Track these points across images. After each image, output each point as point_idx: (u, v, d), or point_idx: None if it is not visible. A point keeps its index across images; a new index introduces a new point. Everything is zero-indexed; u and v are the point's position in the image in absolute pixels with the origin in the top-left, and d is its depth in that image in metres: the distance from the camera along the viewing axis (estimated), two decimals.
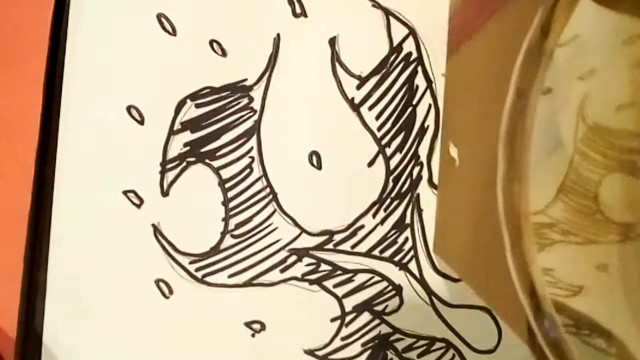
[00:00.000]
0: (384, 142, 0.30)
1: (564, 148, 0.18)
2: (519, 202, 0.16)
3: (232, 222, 0.30)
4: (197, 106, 0.31)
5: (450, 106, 0.29)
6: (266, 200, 0.30)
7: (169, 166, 0.30)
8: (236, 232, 0.30)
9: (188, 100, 0.31)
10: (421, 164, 0.30)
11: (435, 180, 0.30)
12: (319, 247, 0.30)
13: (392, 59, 0.31)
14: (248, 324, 0.30)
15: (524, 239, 0.16)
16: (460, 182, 0.26)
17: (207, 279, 0.30)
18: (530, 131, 0.16)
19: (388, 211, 0.30)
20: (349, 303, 0.30)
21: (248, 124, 0.31)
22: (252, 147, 0.30)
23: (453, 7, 0.29)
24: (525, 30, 0.16)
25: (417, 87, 0.31)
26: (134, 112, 0.31)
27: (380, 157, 0.30)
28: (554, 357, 0.15)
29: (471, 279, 0.23)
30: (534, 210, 0.17)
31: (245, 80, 0.31)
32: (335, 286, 0.30)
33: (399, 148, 0.30)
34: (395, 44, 0.31)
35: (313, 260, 0.30)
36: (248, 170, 0.30)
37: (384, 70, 0.31)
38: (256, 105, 0.31)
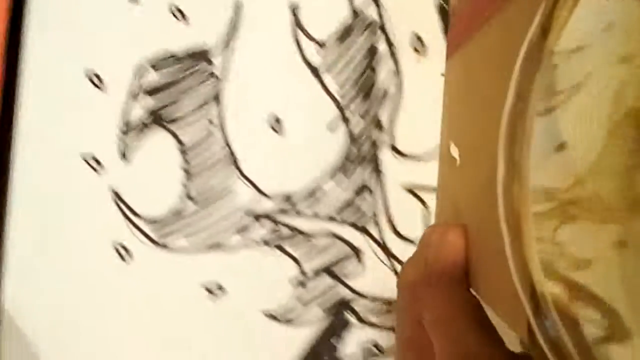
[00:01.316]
0: (345, 106, 0.30)
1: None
2: (519, 202, 0.16)
3: (192, 187, 0.30)
4: (157, 71, 0.31)
5: (451, 106, 0.29)
6: (226, 165, 0.30)
7: (128, 131, 0.30)
8: (196, 197, 0.30)
9: (148, 65, 0.30)
10: (382, 129, 0.30)
11: (398, 144, 0.30)
12: (280, 211, 0.30)
13: (353, 24, 0.31)
14: (207, 288, 0.30)
15: (524, 239, 0.16)
16: (461, 182, 0.26)
17: (167, 243, 0.30)
18: (531, 131, 0.15)
19: (349, 175, 0.30)
20: (309, 266, 0.30)
21: (209, 89, 0.31)
22: (212, 112, 0.30)
23: (453, 7, 0.29)
24: (525, 30, 0.16)
25: (379, 52, 0.31)
26: (93, 77, 0.30)
27: (342, 121, 0.30)
28: (554, 357, 0.15)
29: (471, 278, 0.23)
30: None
31: (205, 45, 0.31)
32: (295, 249, 0.30)
33: (360, 113, 0.30)
34: (356, 9, 0.31)
35: (273, 224, 0.30)
36: (208, 135, 0.30)
37: (345, 36, 0.31)
38: (217, 70, 0.31)
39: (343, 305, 0.30)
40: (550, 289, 0.16)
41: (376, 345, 0.30)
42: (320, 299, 0.30)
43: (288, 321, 0.30)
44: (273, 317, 0.30)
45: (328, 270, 0.30)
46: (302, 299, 0.30)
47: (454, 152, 0.27)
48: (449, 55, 0.29)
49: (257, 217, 0.30)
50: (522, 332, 0.16)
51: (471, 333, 0.20)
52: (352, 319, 0.30)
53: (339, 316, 0.30)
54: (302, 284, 0.30)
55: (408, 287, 0.23)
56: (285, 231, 0.30)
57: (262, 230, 0.30)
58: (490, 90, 0.20)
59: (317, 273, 0.30)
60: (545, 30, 0.15)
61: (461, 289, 0.22)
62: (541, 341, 0.15)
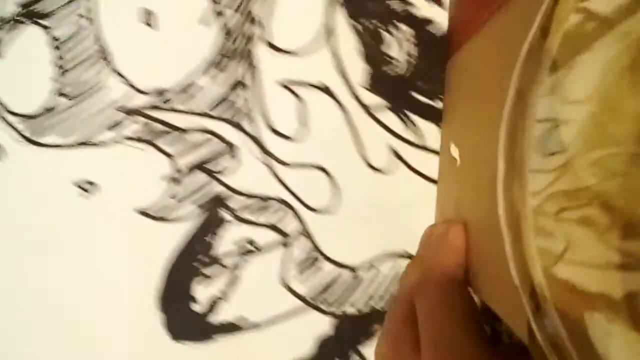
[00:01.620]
0: (219, 0, 0.30)
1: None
2: (519, 202, 0.16)
3: (65, 83, 0.30)
4: None
5: (451, 106, 0.29)
6: (99, 60, 0.30)
7: (1, 26, 0.30)
8: (67, 92, 0.30)
9: None
10: (258, 24, 0.30)
11: (273, 39, 0.30)
12: (152, 106, 0.30)
13: None
14: (80, 185, 0.30)
15: (524, 239, 0.16)
16: (461, 182, 0.26)
17: (39, 139, 0.30)
18: (531, 131, 0.15)
19: (223, 70, 0.30)
20: (183, 162, 0.30)
21: None
22: (84, 6, 0.30)
23: (453, 7, 0.29)
24: (525, 30, 0.15)
25: None
26: None
27: (216, 15, 0.30)
28: (554, 357, 0.15)
29: (471, 278, 0.23)
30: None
31: None
32: (168, 145, 0.30)
33: (235, 7, 0.30)
34: None
35: (145, 120, 0.30)
36: (80, 30, 0.30)
37: None
38: None
39: (218, 202, 0.30)
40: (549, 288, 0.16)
41: (251, 242, 0.30)
42: (195, 195, 0.30)
43: (162, 218, 0.30)
44: (146, 215, 0.30)
45: (202, 167, 0.30)
46: (176, 196, 0.30)
47: (454, 152, 0.26)
48: (449, 55, 0.29)
49: (130, 113, 0.30)
50: (522, 332, 0.16)
51: (460, 331, 0.20)
52: (227, 215, 0.30)
53: (213, 213, 0.30)
54: (175, 181, 0.30)
55: (409, 286, 0.23)
56: (158, 127, 0.30)
57: (135, 126, 0.30)
58: (490, 90, 0.20)
59: (191, 169, 0.30)
60: (545, 31, 0.15)
61: (459, 289, 0.22)
62: (541, 341, 0.15)
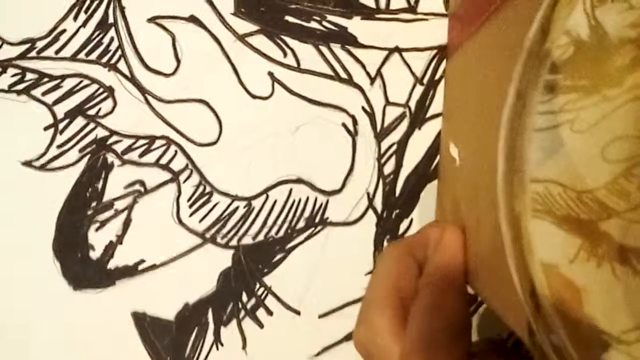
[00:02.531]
0: None
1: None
2: (519, 202, 0.16)
3: None
4: None
5: (451, 106, 0.28)
6: None
7: None
8: None
9: None
10: None
11: None
12: (22, 56, 0.29)
13: None
14: None
15: (524, 239, 0.16)
16: (460, 182, 0.26)
17: None
18: (531, 131, 0.15)
19: (89, 12, 0.29)
20: (61, 110, 0.29)
21: None
22: None
23: (453, 7, 0.28)
24: (525, 30, 0.15)
25: None
26: None
27: None
28: (554, 357, 0.15)
29: (471, 279, 0.23)
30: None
31: None
32: (44, 94, 0.29)
33: None
34: None
35: (17, 71, 0.29)
36: None
37: None
38: None
39: (101, 145, 0.30)
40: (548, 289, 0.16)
41: (141, 183, 0.30)
42: (77, 141, 0.30)
43: (48, 169, 0.30)
44: (30, 165, 0.30)
45: (81, 112, 0.30)
46: (58, 144, 0.30)
47: (454, 151, 0.26)
48: (449, 55, 0.29)
49: (2, 65, 0.29)
50: (522, 332, 0.16)
51: (445, 335, 0.20)
52: (112, 158, 0.30)
53: (99, 158, 0.30)
54: (55, 129, 0.30)
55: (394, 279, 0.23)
56: (30, 76, 0.29)
57: (6, 77, 0.29)
58: (490, 90, 0.20)
59: (69, 115, 0.30)
60: (544, 31, 0.15)
61: (453, 295, 0.22)
62: (541, 341, 0.15)
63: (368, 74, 0.29)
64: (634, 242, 0.19)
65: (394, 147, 0.30)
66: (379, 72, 0.30)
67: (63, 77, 0.29)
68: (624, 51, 0.18)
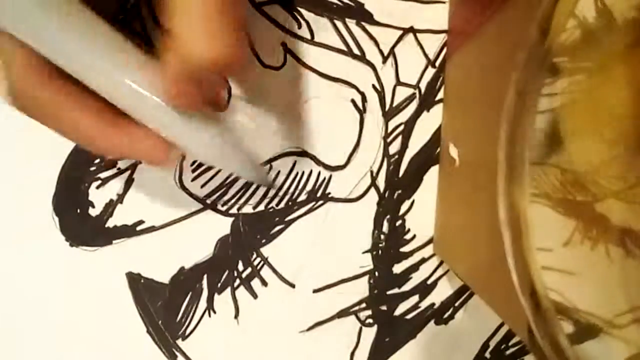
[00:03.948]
0: None
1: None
2: (519, 202, 0.16)
3: None
4: None
5: (450, 106, 0.29)
6: None
7: None
8: None
9: None
10: None
11: None
12: None
13: None
14: None
15: (524, 240, 0.16)
16: (460, 182, 0.26)
17: None
18: (531, 131, 0.15)
19: None
20: None
21: None
22: None
23: (452, 7, 0.28)
24: (525, 30, 0.15)
25: None
26: None
27: None
28: (554, 357, 0.15)
29: (471, 279, 0.23)
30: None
31: None
32: None
33: None
34: None
35: None
36: None
37: None
38: None
39: None
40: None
41: None
42: None
43: None
44: None
45: None
46: None
47: (453, 152, 0.26)
48: (449, 55, 0.29)
49: None
50: (522, 332, 0.16)
51: None
52: None
53: None
54: None
55: None
56: None
57: None
58: (490, 90, 0.20)
59: None
60: (544, 31, 0.15)
61: None
62: (541, 341, 0.15)
63: (381, 52, 0.30)
64: (630, 223, 0.19)
65: (401, 128, 0.30)
66: (392, 51, 0.30)
67: None
68: (627, 32, 0.18)
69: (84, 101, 0.22)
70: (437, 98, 0.30)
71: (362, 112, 0.30)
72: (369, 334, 0.31)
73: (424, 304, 0.32)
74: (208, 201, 0.30)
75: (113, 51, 0.21)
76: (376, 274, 0.31)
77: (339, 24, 0.29)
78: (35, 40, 0.20)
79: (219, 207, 0.30)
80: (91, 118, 0.22)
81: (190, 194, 0.30)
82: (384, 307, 0.31)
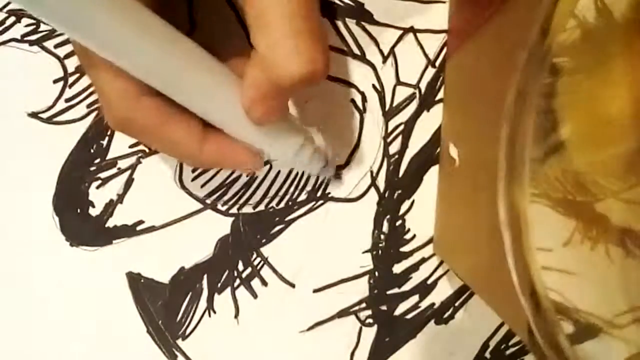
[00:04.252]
0: None
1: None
2: (519, 202, 0.16)
3: None
4: None
5: (450, 106, 0.29)
6: None
7: None
8: None
9: None
10: None
11: None
12: None
13: None
14: None
15: (524, 239, 0.16)
16: (460, 182, 0.26)
17: None
18: (531, 131, 0.15)
19: None
20: (72, 63, 0.29)
21: None
22: None
23: (453, 7, 0.28)
24: (525, 30, 0.15)
25: None
26: None
27: None
28: (554, 357, 0.15)
29: (471, 278, 0.23)
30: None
31: None
32: (56, 47, 0.29)
33: None
34: None
35: (32, 21, 0.29)
36: None
37: None
38: None
39: None
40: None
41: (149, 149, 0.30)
42: (86, 96, 0.30)
43: (53, 121, 0.30)
44: (37, 117, 0.30)
45: None
46: (67, 98, 0.30)
47: (453, 152, 0.26)
48: (449, 55, 0.29)
49: (15, 14, 0.29)
50: (522, 332, 0.16)
51: None
52: None
53: None
54: (65, 82, 0.29)
55: None
56: (45, 28, 0.29)
57: (20, 27, 0.29)
58: (490, 90, 0.20)
59: (81, 70, 0.29)
60: (545, 31, 0.15)
61: None
62: (541, 341, 0.15)
63: (381, 51, 0.29)
64: (630, 223, 0.19)
65: (401, 127, 0.30)
66: (392, 51, 0.30)
67: None
68: (627, 32, 0.18)
69: (178, 119, 0.23)
70: (437, 98, 0.30)
71: (362, 112, 0.30)
72: (369, 334, 0.31)
73: (424, 304, 0.32)
74: (208, 201, 0.30)
75: (205, 70, 0.22)
76: (376, 274, 0.31)
77: (339, 23, 0.29)
78: (132, 64, 0.21)
79: (219, 207, 0.30)
80: (185, 135, 0.23)
81: (190, 194, 0.30)
82: (384, 307, 0.31)
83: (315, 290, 0.31)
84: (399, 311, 0.31)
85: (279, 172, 0.30)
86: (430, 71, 0.30)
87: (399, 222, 0.31)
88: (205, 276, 0.31)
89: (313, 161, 0.26)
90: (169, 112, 0.23)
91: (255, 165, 0.25)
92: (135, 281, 0.30)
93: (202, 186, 0.30)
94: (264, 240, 0.31)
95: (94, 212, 0.30)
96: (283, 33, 0.19)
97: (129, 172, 0.30)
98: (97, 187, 0.30)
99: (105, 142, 0.30)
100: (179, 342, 0.31)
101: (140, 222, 0.30)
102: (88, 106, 0.30)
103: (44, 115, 0.30)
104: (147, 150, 0.30)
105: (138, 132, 0.23)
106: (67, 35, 0.20)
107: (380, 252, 0.31)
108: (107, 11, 0.19)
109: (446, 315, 0.32)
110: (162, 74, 0.21)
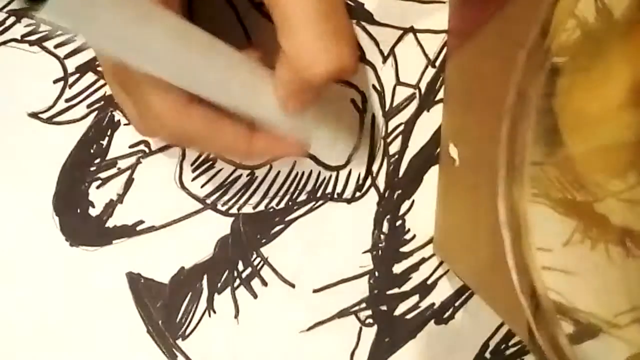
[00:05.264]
0: None
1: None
2: (519, 202, 0.16)
3: None
4: None
5: (450, 106, 0.29)
6: None
7: None
8: None
9: None
10: None
11: None
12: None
13: None
14: None
15: (524, 240, 0.16)
16: (460, 182, 0.26)
17: None
18: (531, 131, 0.16)
19: None
20: (72, 64, 0.29)
21: None
22: None
23: (452, 7, 0.29)
24: (525, 30, 0.15)
25: None
26: None
27: None
28: (554, 357, 0.15)
29: (471, 279, 0.23)
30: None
31: None
32: (56, 47, 0.29)
33: None
34: None
35: (32, 21, 0.29)
36: None
37: None
38: None
39: (109, 102, 0.30)
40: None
41: (147, 143, 0.30)
42: (86, 97, 0.30)
43: (53, 121, 0.30)
44: (37, 117, 0.30)
45: (91, 67, 0.29)
46: (67, 98, 0.30)
47: (453, 152, 0.26)
48: (449, 55, 0.29)
49: (16, 14, 0.29)
50: (522, 332, 0.16)
51: None
52: (119, 116, 0.30)
53: (105, 114, 0.30)
54: (65, 82, 0.29)
55: None
56: (45, 28, 0.29)
57: (20, 27, 0.29)
58: (490, 90, 0.20)
59: (80, 70, 0.29)
60: (545, 30, 0.15)
61: None
62: (541, 341, 0.15)
63: (381, 52, 0.30)
64: (629, 223, 0.19)
65: (401, 127, 0.30)
66: (392, 51, 0.30)
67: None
68: (627, 32, 0.18)
69: (226, 122, 0.23)
70: (437, 98, 0.30)
71: (362, 112, 0.30)
72: (369, 334, 0.31)
73: (424, 304, 0.32)
74: (208, 201, 0.30)
75: (247, 73, 0.23)
76: (376, 274, 0.31)
77: None
78: (181, 76, 0.21)
79: (219, 207, 0.30)
80: (234, 137, 0.24)
81: (190, 194, 0.30)
82: (384, 307, 0.31)
83: (315, 290, 0.31)
84: (399, 311, 0.31)
85: (279, 172, 0.30)
86: (430, 71, 0.30)
87: (399, 222, 0.31)
88: (205, 276, 0.31)
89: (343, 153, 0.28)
90: (217, 117, 0.23)
91: (301, 153, 0.27)
92: (135, 281, 0.30)
93: (202, 186, 0.30)
94: (264, 240, 0.31)
95: (94, 212, 0.30)
96: (308, 35, 0.20)
97: (128, 172, 0.30)
98: (97, 187, 0.30)
99: (105, 142, 0.30)
100: (179, 342, 0.31)
101: (140, 222, 0.30)
102: (88, 106, 0.30)
103: (44, 116, 0.30)
104: (147, 150, 0.30)
105: (191, 141, 0.24)
106: (117, 56, 0.20)
107: (380, 252, 0.31)
108: (158, 28, 0.19)
109: (446, 315, 0.32)
110: (211, 83, 0.21)
